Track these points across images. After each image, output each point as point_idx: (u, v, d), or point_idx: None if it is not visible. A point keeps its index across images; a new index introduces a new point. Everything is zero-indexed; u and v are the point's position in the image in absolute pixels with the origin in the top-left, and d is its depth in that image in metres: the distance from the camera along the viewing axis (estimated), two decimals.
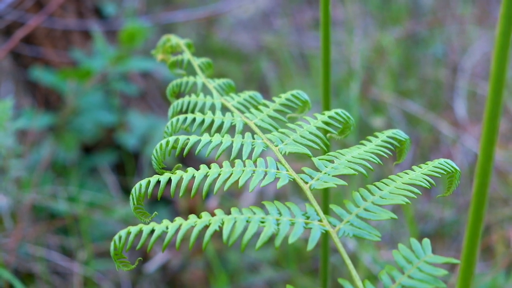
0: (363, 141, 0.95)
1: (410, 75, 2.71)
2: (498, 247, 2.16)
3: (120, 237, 0.84)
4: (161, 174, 0.90)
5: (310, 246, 0.81)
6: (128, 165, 2.24)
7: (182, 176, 0.88)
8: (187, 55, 1.12)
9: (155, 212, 0.90)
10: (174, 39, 1.15)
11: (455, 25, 2.93)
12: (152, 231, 0.83)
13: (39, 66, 2.16)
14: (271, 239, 2.19)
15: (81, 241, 1.96)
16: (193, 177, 0.88)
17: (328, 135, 0.98)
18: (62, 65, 2.20)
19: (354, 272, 0.82)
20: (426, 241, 0.84)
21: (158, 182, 0.87)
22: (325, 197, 1.10)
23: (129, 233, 0.83)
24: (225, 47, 3.09)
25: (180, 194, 0.87)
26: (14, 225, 1.93)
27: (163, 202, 2.23)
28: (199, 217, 0.83)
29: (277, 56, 2.99)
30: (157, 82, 2.48)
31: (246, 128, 0.97)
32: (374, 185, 0.88)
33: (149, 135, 2.23)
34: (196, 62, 1.12)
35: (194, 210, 2.09)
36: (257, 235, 1.44)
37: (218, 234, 2.08)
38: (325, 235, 1.20)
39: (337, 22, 3.24)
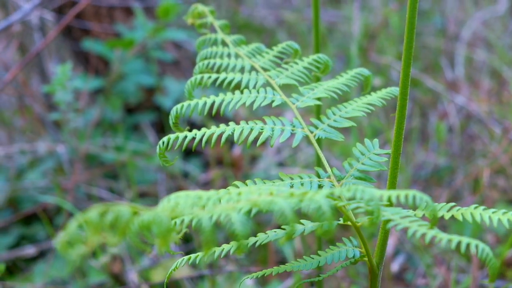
0: (337, 76, 1.30)
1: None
2: (484, 189, 2.49)
3: (163, 142, 1.21)
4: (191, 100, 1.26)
5: (294, 144, 1.18)
6: (166, 124, 2.62)
7: (206, 101, 1.24)
8: (210, 19, 1.48)
9: (187, 127, 1.27)
10: (200, 7, 1.51)
11: None
12: (185, 137, 1.20)
13: (88, 39, 2.55)
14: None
15: (127, 183, 2.35)
16: (214, 102, 1.24)
17: (313, 73, 1.34)
18: (108, 38, 2.58)
19: (324, 161, 1.18)
20: (375, 140, 1.19)
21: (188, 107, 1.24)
22: (317, 116, 1.45)
23: (169, 139, 1.21)
24: (249, 22, 3.45)
25: (205, 113, 1.24)
26: (72, 170, 2.32)
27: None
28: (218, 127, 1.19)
29: (295, 30, 3.34)
30: (188, 52, 2.85)
31: (253, 69, 1.33)
32: (342, 105, 1.24)
33: (183, 98, 2.60)
34: (217, 23, 1.48)
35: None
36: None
37: (235, 177, 2.45)
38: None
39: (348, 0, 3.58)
